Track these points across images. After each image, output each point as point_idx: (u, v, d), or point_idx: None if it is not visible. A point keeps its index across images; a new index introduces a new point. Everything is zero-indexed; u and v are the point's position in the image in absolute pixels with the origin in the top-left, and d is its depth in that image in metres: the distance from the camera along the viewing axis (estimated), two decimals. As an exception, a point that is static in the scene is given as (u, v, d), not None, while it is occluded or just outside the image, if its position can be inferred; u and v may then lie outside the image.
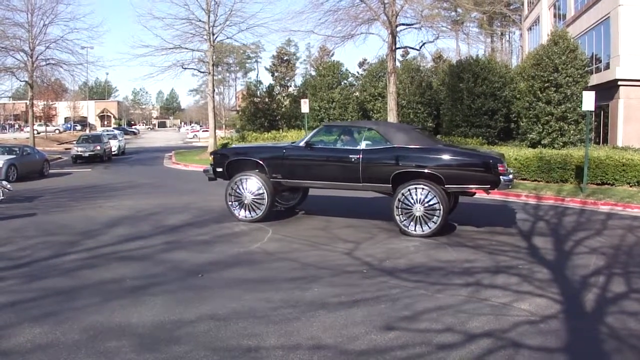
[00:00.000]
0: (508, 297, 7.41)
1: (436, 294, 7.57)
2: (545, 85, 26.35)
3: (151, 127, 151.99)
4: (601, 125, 30.05)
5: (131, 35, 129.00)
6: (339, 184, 12.47)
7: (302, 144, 12.71)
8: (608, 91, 28.25)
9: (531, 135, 27.03)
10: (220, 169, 13.41)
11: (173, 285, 7.94)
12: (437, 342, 5.89)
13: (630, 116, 27.55)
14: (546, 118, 26.28)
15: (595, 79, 29.12)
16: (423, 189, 11.39)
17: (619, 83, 27.50)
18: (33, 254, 9.82)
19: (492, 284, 8.04)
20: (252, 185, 12.78)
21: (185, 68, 40.23)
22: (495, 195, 17.49)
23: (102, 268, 8.86)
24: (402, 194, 11.52)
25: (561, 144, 25.99)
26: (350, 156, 11.99)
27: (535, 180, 20.06)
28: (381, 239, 11.24)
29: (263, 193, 12.70)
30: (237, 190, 12.93)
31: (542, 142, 26.43)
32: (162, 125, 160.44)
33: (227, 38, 41.45)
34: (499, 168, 11.18)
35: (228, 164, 13.30)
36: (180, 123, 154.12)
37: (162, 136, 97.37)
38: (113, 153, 41.71)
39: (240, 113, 55.07)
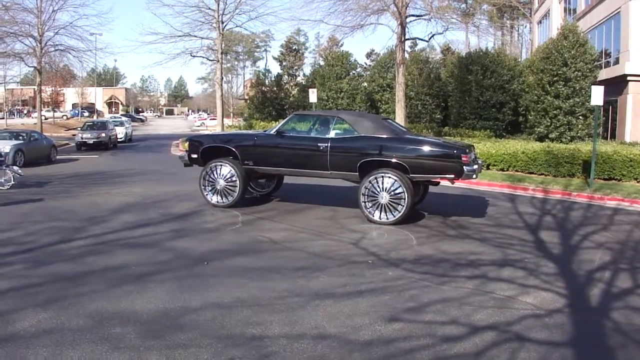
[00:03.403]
0: (513, 291, 7.39)
1: (442, 285, 7.55)
2: (554, 79, 26.33)
3: (159, 114, 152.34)
4: (609, 121, 29.99)
5: (140, 23, 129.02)
6: (307, 172, 12.81)
7: (273, 132, 13.07)
8: (617, 86, 28.18)
9: (539, 129, 27.02)
10: (195, 155, 13.65)
11: (178, 272, 7.93)
12: (441, 334, 5.88)
13: (639, 111, 27.46)
14: (554, 112, 26.25)
15: (604, 74, 29.04)
16: (389, 177, 11.62)
17: (628, 78, 27.48)
18: (39, 239, 9.83)
19: (498, 277, 8.02)
20: (225, 171, 13.06)
21: (194, 56, 40.26)
22: (504, 189, 17.52)
23: (107, 254, 8.87)
24: (369, 182, 11.77)
25: (569, 138, 25.97)
26: (319, 144, 12.30)
27: (542, 174, 19.99)
28: (388, 230, 11.24)
29: (235, 180, 12.98)
30: (211, 177, 13.21)
31: (550, 136, 26.42)
32: (169, 112, 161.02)
33: (237, 26, 41.56)
34: (463, 158, 11.35)
35: (203, 150, 13.53)
36: (188, 111, 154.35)
37: (170, 124, 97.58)
38: (120, 140, 41.51)
39: (248, 102, 55.12)
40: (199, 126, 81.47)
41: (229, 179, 13.02)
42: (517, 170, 20.69)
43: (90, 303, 6.56)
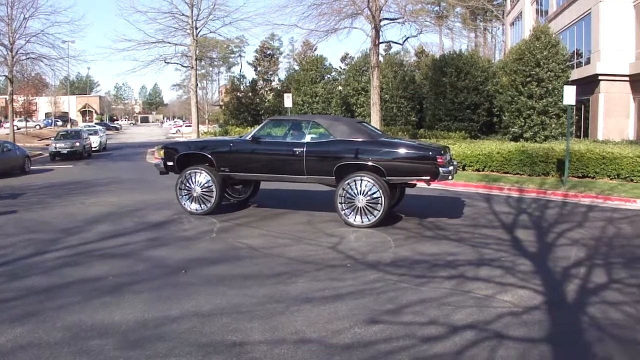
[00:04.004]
0: (491, 289, 7.45)
1: (420, 286, 7.58)
2: (527, 79, 26.58)
3: (133, 122, 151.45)
4: (582, 119, 30.36)
5: (113, 30, 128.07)
6: (284, 177, 12.80)
7: (248, 137, 13.01)
8: (589, 86, 28.51)
9: (513, 129, 27.25)
10: (170, 163, 13.59)
11: (156, 282, 7.88)
12: (421, 334, 5.90)
13: (611, 110, 27.86)
14: (528, 112, 26.50)
15: (576, 74, 29.37)
16: (365, 180, 11.67)
17: (600, 78, 27.84)
18: (14, 252, 9.72)
19: (476, 277, 8.07)
20: (201, 179, 13.04)
21: (168, 62, 40.07)
22: (480, 189, 17.63)
23: (84, 266, 8.78)
24: (346, 186, 11.82)
25: (543, 137, 26.22)
26: (295, 149, 12.31)
27: (517, 174, 20.15)
28: (365, 233, 11.27)
29: (212, 186, 12.96)
30: (187, 184, 13.17)
31: (524, 136, 26.67)
32: (144, 120, 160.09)
33: (211, 32, 41.43)
34: (438, 160, 11.43)
35: (178, 158, 13.48)
36: (163, 118, 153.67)
37: (145, 131, 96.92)
38: (94, 149, 40.95)
39: (223, 108, 55.00)
40: (174, 133, 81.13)
41: (205, 186, 12.97)
42: (492, 171, 20.84)
43: (67, 316, 6.49)
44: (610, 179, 18.56)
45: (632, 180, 18.21)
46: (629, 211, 14.08)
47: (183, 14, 38.37)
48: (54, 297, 7.20)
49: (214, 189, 12.92)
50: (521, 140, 26.17)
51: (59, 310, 6.69)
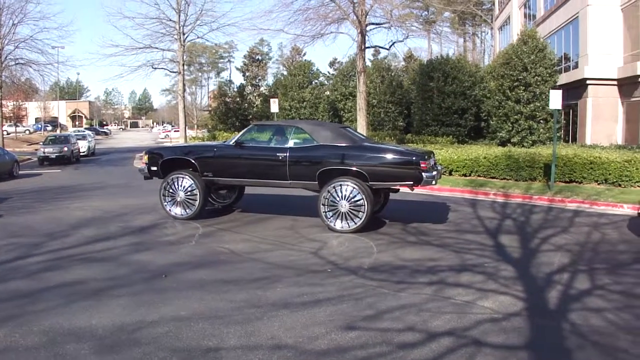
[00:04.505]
0: (472, 295, 7.40)
1: (400, 292, 7.53)
2: (515, 84, 26.67)
3: (123, 127, 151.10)
4: (570, 124, 30.43)
5: (101, 35, 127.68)
6: (267, 182, 12.77)
7: (232, 142, 13.01)
8: (577, 90, 28.64)
9: (501, 134, 27.32)
10: (154, 168, 13.56)
11: (137, 286, 7.82)
12: (397, 341, 5.85)
13: (598, 114, 27.95)
14: (515, 117, 26.58)
15: (564, 78, 29.48)
16: (348, 185, 11.65)
17: (588, 82, 27.92)
18: (-4, 256, 9.65)
19: (457, 283, 8.03)
20: (185, 183, 13.00)
21: (156, 68, 40.14)
22: (465, 194, 17.64)
23: (65, 270, 8.71)
24: (328, 191, 11.79)
25: (530, 142, 26.31)
26: (278, 154, 12.30)
27: (504, 179, 20.17)
28: (348, 238, 11.23)
29: (195, 191, 12.91)
30: (171, 189, 13.13)
31: (512, 141, 26.75)
32: (134, 125, 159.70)
33: (198, 37, 41.59)
34: (421, 165, 11.42)
35: (162, 162, 13.45)
36: (153, 123, 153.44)
37: (134, 136, 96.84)
38: (82, 154, 41.01)
39: (211, 113, 54.94)
40: (163, 138, 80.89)
41: (189, 191, 12.93)
42: (479, 176, 20.86)
43: (45, 320, 6.44)
44: (598, 184, 18.59)
45: (619, 185, 18.26)
46: (615, 216, 14.08)
47: (170, 20, 38.49)
48: (33, 301, 7.14)
49: (198, 194, 12.87)
50: (509, 145, 26.24)
51: (37, 314, 6.63)
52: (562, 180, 18.99)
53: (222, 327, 6.23)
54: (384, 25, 27.75)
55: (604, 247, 10.65)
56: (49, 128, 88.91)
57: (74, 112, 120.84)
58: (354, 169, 11.74)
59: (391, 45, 28.80)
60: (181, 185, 12.99)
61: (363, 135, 14.86)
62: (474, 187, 18.51)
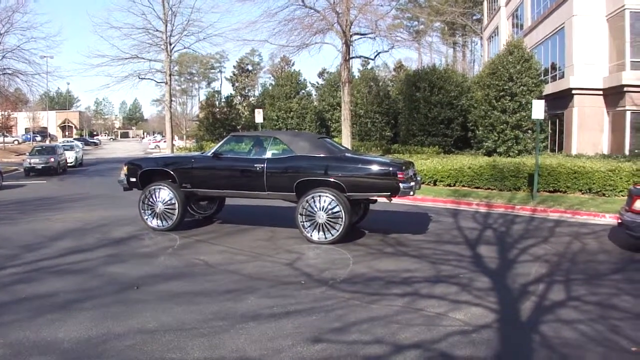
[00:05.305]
0: (444, 307, 7.35)
1: (371, 304, 7.47)
2: (501, 94, 26.71)
3: (113, 137, 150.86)
4: (557, 133, 30.50)
5: (87, 45, 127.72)
6: (245, 193, 12.70)
7: (210, 154, 12.98)
8: (563, 100, 28.73)
9: (487, 144, 27.32)
10: (134, 179, 13.52)
11: (107, 299, 7.74)
12: (363, 353, 5.78)
13: (584, 124, 28.03)
14: (501, 126, 26.59)
15: (551, 88, 29.58)
16: (326, 196, 11.63)
17: (573, 92, 28.02)
18: (-32, 268, 9.54)
19: (430, 294, 7.97)
20: (163, 195, 12.94)
21: (142, 78, 40.05)
22: (448, 204, 17.62)
23: (38, 282, 8.62)
24: (307, 201, 11.76)
25: (516, 152, 26.32)
26: (255, 165, 12.27)
27: (488, 189, 20.16)
28: (325, 250, 11.17)
29: (174, 202, 12.85)
30: (150, 200, 13.07)
31: (498, 151, 26.75)
32: (124, 135, 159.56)
33: (185, 48, 41.53)
34: (399, 175, 11.38)
35: (141, 174, 13.41)
36: (143, 133, 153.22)
37: (124, 147, 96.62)
38: (70, 164, 40.50)
39: (199, 123, 54.92)
40: (153, 149, 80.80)
41: (168, 202, 12.86)
42: (463, 186, 20.84)
43: (12, 332, 6.37)
44: (582, 193, 18.61)
45: (603, 195, 18.28)
46: (597, 226, 14.07)
47: (157, 30, 38.57)
48: (1, 314, 7.06)
49: (177, 205, 12.81)
50: (495, 154, 26.25)
51: (5, 327, 6.57)
52: (547, 190, 19.00)
53: (188, 339, 6.16)
54: (368, 36, 27.78)
55: (582, 257, 10.62)
56: (38, 138, 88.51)
57: (64, 122, 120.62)
58: (331, 179, 11.69)
59: (376, 56, 28.81)
60: (160, 197, 12.93)
61: (343, 146, 14.81)
62: (457, 197, 18.48)
